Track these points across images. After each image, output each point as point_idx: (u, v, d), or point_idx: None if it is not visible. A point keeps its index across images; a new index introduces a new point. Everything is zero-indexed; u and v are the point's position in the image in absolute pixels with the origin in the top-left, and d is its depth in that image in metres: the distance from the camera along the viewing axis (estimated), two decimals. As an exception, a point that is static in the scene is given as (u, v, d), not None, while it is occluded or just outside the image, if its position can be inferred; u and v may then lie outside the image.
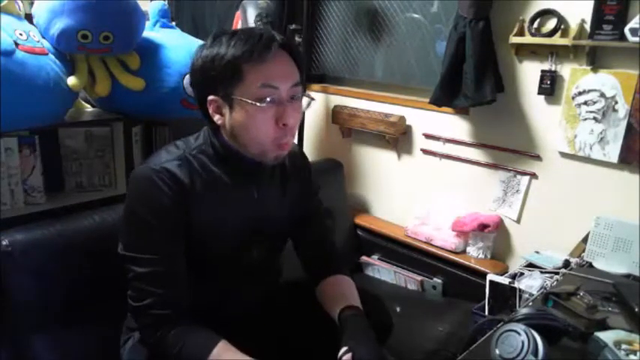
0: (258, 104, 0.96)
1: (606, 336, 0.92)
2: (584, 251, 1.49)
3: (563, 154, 1.79)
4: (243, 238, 1.11)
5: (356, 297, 1.15)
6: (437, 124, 2.11)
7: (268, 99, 0.97)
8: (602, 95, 1.65)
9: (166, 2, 2.03)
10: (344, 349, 0.99)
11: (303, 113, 1.10)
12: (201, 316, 1.04)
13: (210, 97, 1.01)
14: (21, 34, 1.48)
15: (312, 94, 2.49)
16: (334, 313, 1.10)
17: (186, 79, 1.78)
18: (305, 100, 1.07)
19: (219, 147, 1.05)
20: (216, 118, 1.03)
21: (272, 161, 1.06)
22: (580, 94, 1.70)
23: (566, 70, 1.73)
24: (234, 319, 1.12)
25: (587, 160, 1.72)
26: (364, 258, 2.22)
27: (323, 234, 1.29)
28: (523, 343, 0.83)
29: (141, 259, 1.00)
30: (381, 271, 2.15)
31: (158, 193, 0.99)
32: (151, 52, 1.78)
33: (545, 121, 1.81)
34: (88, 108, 1.97)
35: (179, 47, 1.83)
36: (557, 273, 1.43)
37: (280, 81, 0.98)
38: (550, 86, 1.75)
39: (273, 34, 1.01)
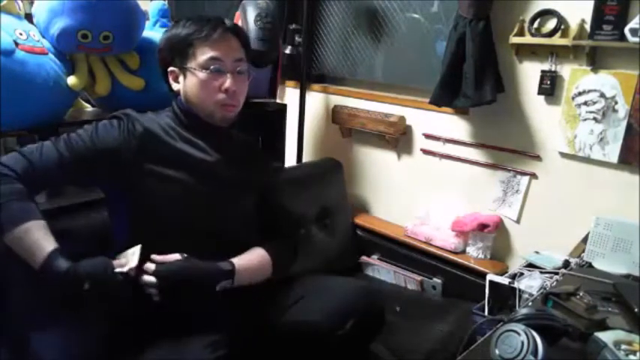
0: (203, 72, 1.21)
1: (606, 336, 0.91)
2: (584, 251, 1.49)
3: (563, 155, 1.79)
4: (197, 196, 1.21)
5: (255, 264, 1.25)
6: (437, 124, 2.11)
7: (212, 67, 1.21)
8: (602, 95, 1.65)
9: (166, 2, 2.03)
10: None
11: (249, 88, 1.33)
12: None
13: (170, 69, 1.27)
14: (21, 34, 1.48)
15: (313, 94, 2.51)
16: None
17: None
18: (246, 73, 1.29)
19: (179, 110, 1.27)
20: (175, 86, 1.28)
21: (220, 122, 1.26)
22: (580, 94, 1.70)
23: (566, 70, 1.73)
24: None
25: (587, 160, 1.72)
26: (364, 258, 2.21)
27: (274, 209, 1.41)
28: (523, 343, 0.83)
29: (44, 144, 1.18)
30: (381, 271, 2.15)
31: (109, 125, 1.21)
32: (151, 51, 1.76)
33: (545, 121, 1.81)
34: (88, 108, 1.96)
35: (179, 47, 1.82)
36: (556, 273, 1.42)
37: (225, 55, 1.23)
38: (550, 86, 1.75)
39: (222, 19, 1.26)
